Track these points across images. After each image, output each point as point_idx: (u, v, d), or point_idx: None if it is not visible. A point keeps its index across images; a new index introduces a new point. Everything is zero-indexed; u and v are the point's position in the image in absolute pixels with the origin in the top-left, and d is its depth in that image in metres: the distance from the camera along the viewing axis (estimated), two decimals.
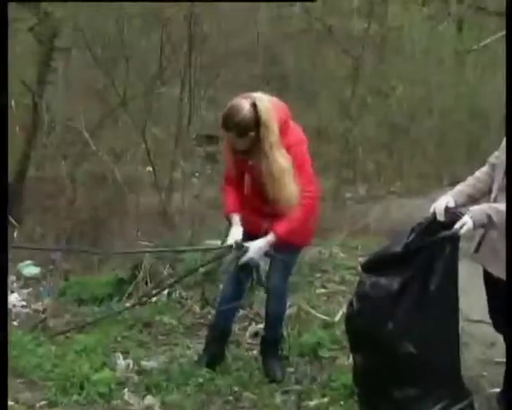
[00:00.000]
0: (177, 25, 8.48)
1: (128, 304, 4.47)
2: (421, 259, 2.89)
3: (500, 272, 2.88)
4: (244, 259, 3.24)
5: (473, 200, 3.06)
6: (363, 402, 3.16)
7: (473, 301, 3.49)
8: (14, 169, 8.22)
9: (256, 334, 3.97)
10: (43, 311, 4.56)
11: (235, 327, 3.97)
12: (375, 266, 3.04)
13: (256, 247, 3.22)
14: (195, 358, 3.67)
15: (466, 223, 2.82)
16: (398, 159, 10.34)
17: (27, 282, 5.56)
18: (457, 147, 10.18)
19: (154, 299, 4.51)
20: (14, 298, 4.86)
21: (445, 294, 2.90)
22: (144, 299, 4.50)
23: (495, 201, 2.92)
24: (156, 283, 4.64)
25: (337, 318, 4.13)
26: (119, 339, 3.94)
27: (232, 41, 10.11)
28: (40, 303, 4.77)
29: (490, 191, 3.01)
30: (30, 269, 5.83)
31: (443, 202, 2.96)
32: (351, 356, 3.27)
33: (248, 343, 3.94)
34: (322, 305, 4.41)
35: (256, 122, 3.08)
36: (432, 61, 10.22)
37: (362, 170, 10.25)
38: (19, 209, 7.99)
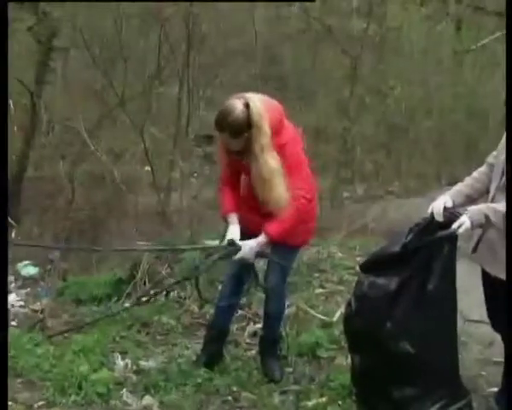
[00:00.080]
0: (176, 25, 8.49)
1: (127, 304, 4.47)
2: (420, 259, 2.90)
3: (498, 271, 2.88)
4: (236, 258, 3.26)
5: (471, 200, 3.06)
6: (361, 402, 3.17)
7: (471, 300, 3.49)
8: (13, 169, 8.21)
9: (254, 334, 3.97)
10: (42, 311, 4.55)
11: (234, 327, 3.97)
12: (374, 266, 3.04)
13: (247, 247, 3.22)
14: (194, 358, 3.66)
15: (464, 223, 2.82)
16: (396, 159, 10.34)
17: (25, 282, 5.56)
18: (456, 147, 10.19)
19: (152, 299, 4.51)
20: (12, 298, 4.86)
21: (443, 294, 2.90)
22: (143, 299, 4.50)
23: (493, 201, 2.92)
24: (154, 283, 4.64)
25: (335, 318, 4.12)
26: (117, 339, 3.93)
27: (230, 41, 10.12)
28: (38, 303, 4.77)
29: (488, 191, 3.01)
30: (28, 269, 5.83)
31: (441, 202, 2.96)
32: (349, 356, 3.27)
33: (247, 343, 3.94)
34: (321, 305, 4.41)
35: (249, 123, 3.08)
36: (430, 61, 10.22)
37: (360, 170, 10.25)
38: (17, 209, 8.00)
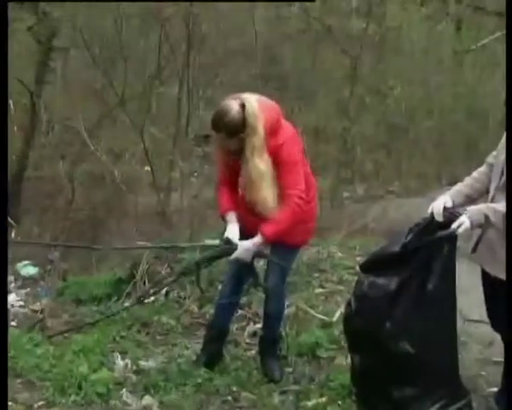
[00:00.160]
0: (176, 25, 8.49)
1: (127, 304, 4.47)
2: (419, 259, 2.90)
3: (497, 271, 2.88)
4: (232, 257, 3.26)
5: (471, 200, 3.06)
6: (361, 402, 3.16)
7: (471, 300, 3.49)
8: (13, 169, 8.21)
9: (254, 334, 3.97)
10: (41, 311, 4.55)
11: (234, 327, 3.96)
12: (374, 266, 3.04)
13: (243, 247, 3.23)
14: (194, 358, 3.66)
15: (463, 223, 2.82)
16: (396, 159, 10.34)
17: (25, 282, 5.56)
18: (456, 147, 10.18)
19: (152, 299, 4.51)
20: (12, 298, 4.86)
21: (442, 294, 2.90)
22: (142, 299, 4.50)
23: (492, 201, 2.92)
24: (154, 283, 4.64)
25: (335, 318, 4.12)
26: (117, 339, 3.93)
27: (230, 41, 10.11)
28: (38, 303, 4.76)
29: (488, 191, 3.01)
30: (28, 269, 5.83)
31: (441, 202, 2.96)
32: (349, 356, 3.27)
33: (247, 343, 3.94)
34: (321, 305, 4.40)
35: (245, 123, 3.09)
36: (430, 60, 10.22)
37: (360, 170, 10.25)
38: (17, 209, 8.00)
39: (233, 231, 3.27)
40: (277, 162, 3.17)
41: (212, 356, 3.58)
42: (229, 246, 3.24)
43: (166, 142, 8.76)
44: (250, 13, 9.91)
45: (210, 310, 4.10)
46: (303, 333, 3.91)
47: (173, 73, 8.98)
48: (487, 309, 3.15)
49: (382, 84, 10.31)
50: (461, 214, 2.84)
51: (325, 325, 4.06)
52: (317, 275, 4.93)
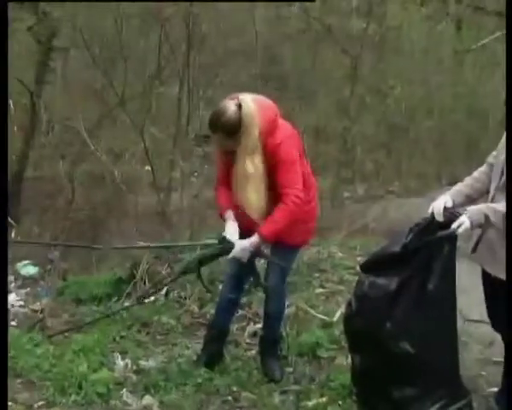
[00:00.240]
0: (176, 25, 8.48)
1: (127, 304, 4.47)
2: (420, 259, 2.89)
3: (497, 271, 2.88)
4: (229, 256, 3.27)
5: (471, 200, 3.06)
6: (361, 402, 3.16)
7: (472, 300, 3.49)
8: (13, 169, 8.21)
9: (255, 334, 3.97)
10: (42, 311, 4.54)
11: (234, 327, 3.96)
12: (374, 266, 3.03)
13: (240, 246, 3.22)
14: (194, 358, 3.66)
15: (463, 223, 2.81)
16: (396, 158, 10.34)
17: (25, 282, 5.55)
18: (456, 147, 10.19)
19: (152, 299, 4.50)
20: (12, 298, 4.85)
21: (443, 293, 2.90)
22: (142, 299, 4.50)
23: (492, 200, 2.92)
24: (154, 283, 4.63)
25: (336, 318, 4.12)
26: (117, 339, 3.92)
27: (231, 41, 10.11)
28: (38, 303, 4.76)
29: (488, 191, 3.01)
30: (28, 269, 5.82)
31: (441, 202, 2.96)
32: (349, 356, 3.27)
33: (247, 343, 3.93)
34: (321, 305, 4.40)
35: (241, 123, 3.10)
36: (430, 60, 10.22)
37: (360, 169, 10.25)
38: (17, 209, 8.00)
39: (231, 229, 3.26)
40: (275, 161, 3.17)
41: (212, 356, 3.57)
42: (227, 245, 3.24)
43: (167, 142, 8.75)
44: (250, 13, 9.91)
45: (210, 310, 4.10)
46: (303, 333, 3.91)
47: (173, 72, 8.97)
48: (487, 309, 3.15)
49: (382, 83, 10.31)
50: (461, 214, 2.84)
51: (325, 325, 4.06)
52: (317, 275, 4.93)
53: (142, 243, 5.04)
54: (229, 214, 3.30)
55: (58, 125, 9.40)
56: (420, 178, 9.76)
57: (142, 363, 3.63)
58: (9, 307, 4.58)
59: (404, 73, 10.27)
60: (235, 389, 3.40)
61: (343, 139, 9.84)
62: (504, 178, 2.85)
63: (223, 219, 3.34)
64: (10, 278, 5.39)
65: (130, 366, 3.57)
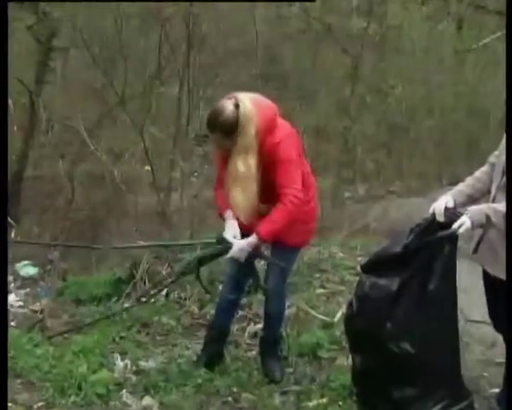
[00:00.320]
0: (176, 24, 8.47)
1: (127, 304, 4.46)
2: (420, 259, 2.89)
3: (498, 272, 2.87)
4: (227, 256, 3.26)
5: (472, 200, 3.05)
6: (361, 403, 3.16)
7: (473, 301, 3.48)
8: (12, 168, 8.20)
9: (255, 334, 3.96)
10: (41, 311, 4.54)
11: (234, 327, 3.95)
12: (375, 266, 3.03)
13: (238, 246, 3.21)
14: (194, 358, 3.65)
15: (464, 223, 2.81)
16: (397, 158, 10.33)
17: (25, 282, 5.54)
18: (457, 146, 10.18)
19: (152, 299, 4.49)
20: (11, 298, 4.84)
21: (443, 294, 2.89)
22: (143, 299, 4.49)
23: (494, 200, 2.91)
24: (154, 283, 4.62)
25: (336, 318, 4.11)
26: (117, 340, 3.92)
27: (231, 40, 10.10)
28: (38, 303, 4.75)
29: (489, 191, 2.99)
30: (27, 269, 5.81)
31: (442, 202, 2.95)
32: (350, 357, 3.26)
33: (247, 344, 3.93)
34: (322, 305, 4.39)
35: (238, 123, 3.09)
36: (431, 60, 10.21)
37: (361, 169, 10.24)
38: (16, 209, 7.99)
39: (231, 229, 3.25)
40: (274, 161, 3.16)
41: (212, 357, 3.57)
42: (225, 245, 3.22)
43: (167, 141, 8.74)
44: (250, 13, 9.90)
45: (210, 311, 4.09)
46: (304, 334, 3.90)
47: (173, 72, 8.96)
48: (489, 310, 3.14)
49: (383, 83, 10.30)
50: (462, 214, 2.83)
51: (326, 326, 4.05)
52: (318, 275, 4.92)
53: (141, 243, 5.02)
54: (229, 214, 3.29)
55: (58, 124, 9.38)
56: (421, 178, 9.75)
57: (142, 364, 3.62)
58: (9, 307, 4.57)
59: (405, 73, 10.26)
60: (235, 389, 3.39)
61: (344, 139, 9.83)
62: (505, 177, 2.84)
63: (222, 218, 3.33)
64: (10, 278, 5.37)
65: (129, 366, 3.57)
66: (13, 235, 7.06)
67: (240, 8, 9.84)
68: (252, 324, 4.14)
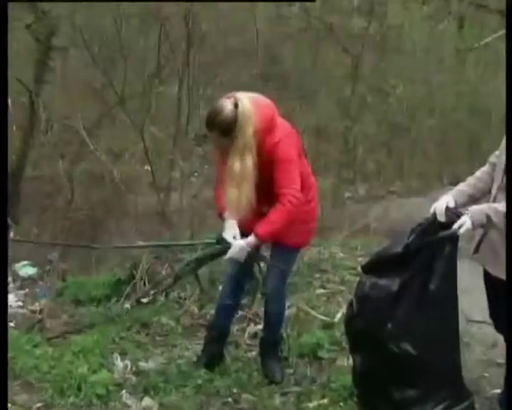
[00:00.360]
0: (176, 24, 8.47)
1: (126, 305, 4.44)
2: (421, 259, 2.87)
3: (499, 272, 2.86)
4: (226, 257, 3.25)
5: (473, 200, 3.04)
6: (362, 403, 3.14)
7: (474, 301, 3.47)
8: (12, 168, 8.18)
9: (255, 335, 3.95)
10: (40, 312, 4.53)
11: (234, 328, 3.94)
12: (375, 266, 3.02)
13: (237, 246, 3.20)
14: (194, 359, 3.64)
15: (465, 223, 2.80)
16: (398, 158, 10.33)
17: (24, 282, 5.53)
18: (458, 146, 10.17)
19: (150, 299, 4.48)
20: (10, 299, 4.82)
21: (444, 294, 2.88)
22: (143, 301, 4.47)
23: (495, 200, 2.90)
24: (154, 283, 4.61)
25: (337, 318, 4.10)
26: (116, 340, 3.91)
27: (231, 40, 10.10)
28: (37, 304, 4.74)
29: (490, 191, 2.98)
30: (27, 269, 5.80)
31: (443, 202, 2.93)
32: (350, 357, 3.25)
33: (247, 344, 3.91)
34: (322, 305, 4.38)
35: (237, 122, 3.08)
36: (432, 59, 10.21)
37: (362, 169, 10.24)
38: (16, 209, 7.97)
39: (230, 229, 3.24)
40: (273, 160, 3.14)
41: (212, 357, 3.55)
42: (224, 245, 3.21)
43: (166, 141, 8.74)
44: (250, 12, 9.89)
45: (210, 311, 4.08)
46: (304, 334, 3.89)
47: (173, 72, 8.96)
48: (490, 310, 3.13)
49: (384, 83, 10.29)
50: (463, 214, 2.82)
51: (326, 326, 4.04)
52: (318, 275, 4.91)
53: (141, 243, 5.02)
54: (229, 214, 3.28)
55: (57, 124, 9.38)
56: (421, 178, 9.75)
57: (142, 364, 3.61)
58: (8, 307, 4.55)
59: (406, 72, 10.25)
60: (235, 390, 3.38)
61: (344, 139, 9.83)
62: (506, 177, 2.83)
63: (222, 218, 3.32)
64: (9, 278, 5.36)
65: (129, 367, 3.56)
66: (12, 235, 7.04)
67: (240, 8, 9.83)
68: (252, 324, 4.13)
